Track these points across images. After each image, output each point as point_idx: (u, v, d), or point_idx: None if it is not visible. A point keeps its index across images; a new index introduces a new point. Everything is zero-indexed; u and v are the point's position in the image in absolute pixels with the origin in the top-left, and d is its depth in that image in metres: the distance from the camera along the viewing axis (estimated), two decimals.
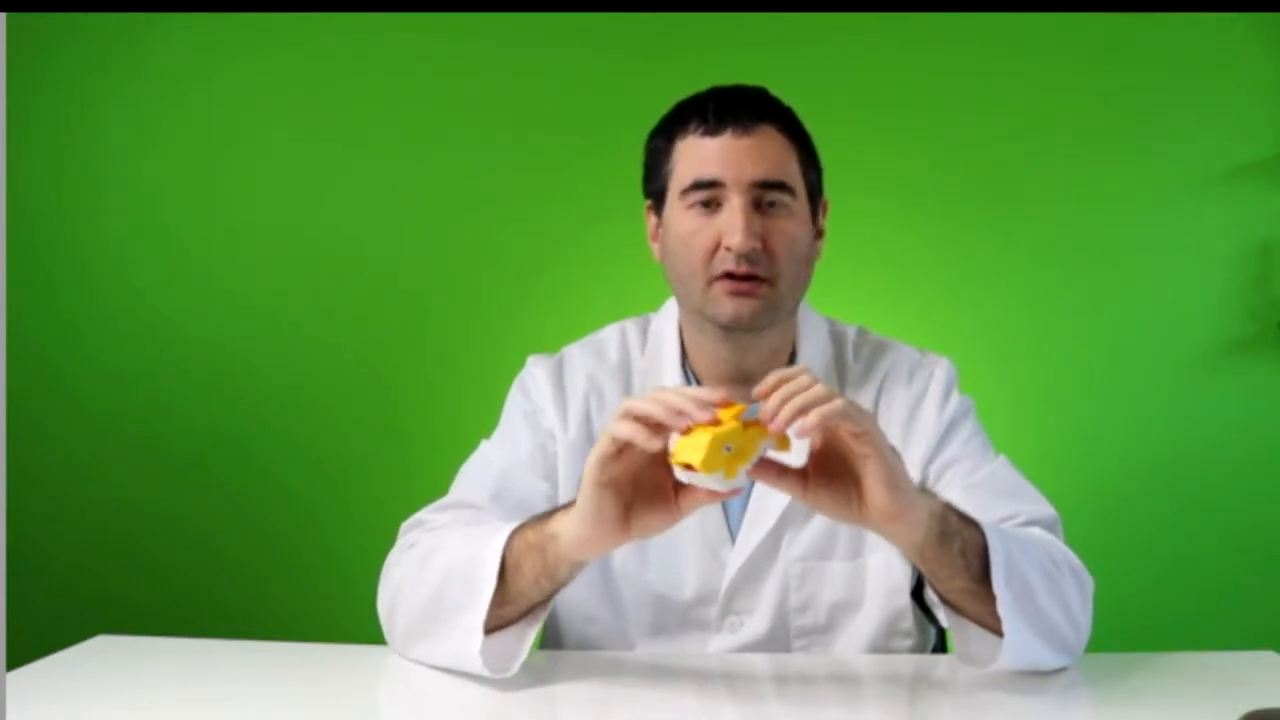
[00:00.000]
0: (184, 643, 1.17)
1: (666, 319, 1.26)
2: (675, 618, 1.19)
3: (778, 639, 1.18)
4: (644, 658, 1.15)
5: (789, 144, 1.16)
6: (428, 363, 2.28)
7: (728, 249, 1.12)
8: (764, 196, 1.13)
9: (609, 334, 1.29)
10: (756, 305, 1.13)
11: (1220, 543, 2.19)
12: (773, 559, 1.18)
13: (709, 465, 0.87)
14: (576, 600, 1.20)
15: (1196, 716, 0.94)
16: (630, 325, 1.30)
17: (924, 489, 0.98)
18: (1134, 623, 1.86)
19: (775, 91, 1.19)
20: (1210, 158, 2.19)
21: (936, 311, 2.20)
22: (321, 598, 2.21)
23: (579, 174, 2.25)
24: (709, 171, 1.13)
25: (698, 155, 1.14)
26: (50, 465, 2.28)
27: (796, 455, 0.94)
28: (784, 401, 0.88)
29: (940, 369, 1.24)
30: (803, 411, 0.87)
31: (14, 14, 2.17)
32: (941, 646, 1.26)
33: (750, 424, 0.89)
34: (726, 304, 1.13)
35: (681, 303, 1.21)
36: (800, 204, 1.16)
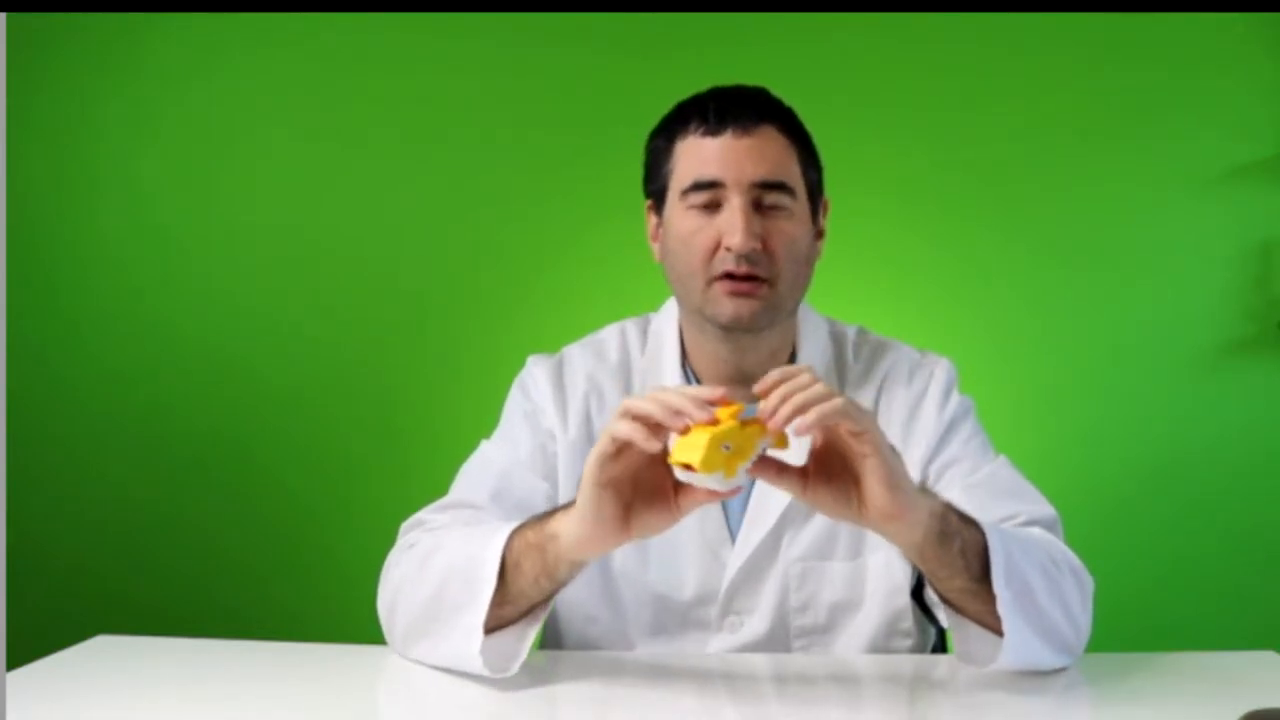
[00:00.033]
0: (184, 643, 1.17)
1: (666, 319, 1.26)
2: (675, 618, 1.19)
3: (778, 639, 1.18)
4: (644, 658, 1.15)
5: (789, 144, 1.16)
6: (428, 363, 2.28)
7: (728, 249, 1.12)
8: (764, 197, 1.13)
9: (609, 334, 1.29)
10: (756, 306, 1.13)
11: (1220, 543, 2.19)
12: (773, 559, 1.18)
13: (708, 465, 0.87)
14: (576, 600, 1.20)
15: (1196, 716, 0.94)
16: (630, 325, 1.30)
17: (924, 489, 0.98)
18: (1134, 623, 1.86)
19: (775, 92, 1.19)
20: (1210, 158, 2.19)
21: (936, 311, 2.20)
22: (321, 598, 2.21)
23: (579, 174, 2.25)
24: (709, 172, 1.13)
25: (698, 155, 1.14)
26: (50, 465, 2.28)
27: (797, 454, 0.94)
28: (784, 399, 0.88)
29: (940, 369, 1.24)
30: (802, 410, 0.87)
31: (14, 14, 2.17)
32: (941, 646, 1.26)
33: (749, 423, 0.89)
34: (726, 304, 1.13)
35: (681, 303, 1.21)
36: (800, 204, 1.16)
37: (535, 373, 1.26)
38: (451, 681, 1.03)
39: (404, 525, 1.19)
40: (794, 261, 1.15)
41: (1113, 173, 2.21)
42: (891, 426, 1.19)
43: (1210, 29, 2.18)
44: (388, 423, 2.28)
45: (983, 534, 0.98)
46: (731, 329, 1.15)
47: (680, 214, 1.16)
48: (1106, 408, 2.22)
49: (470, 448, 1.25)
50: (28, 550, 2.16)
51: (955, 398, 1.22)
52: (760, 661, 1.14)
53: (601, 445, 0.93)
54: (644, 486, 0.95)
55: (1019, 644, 0.98)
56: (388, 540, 1.19)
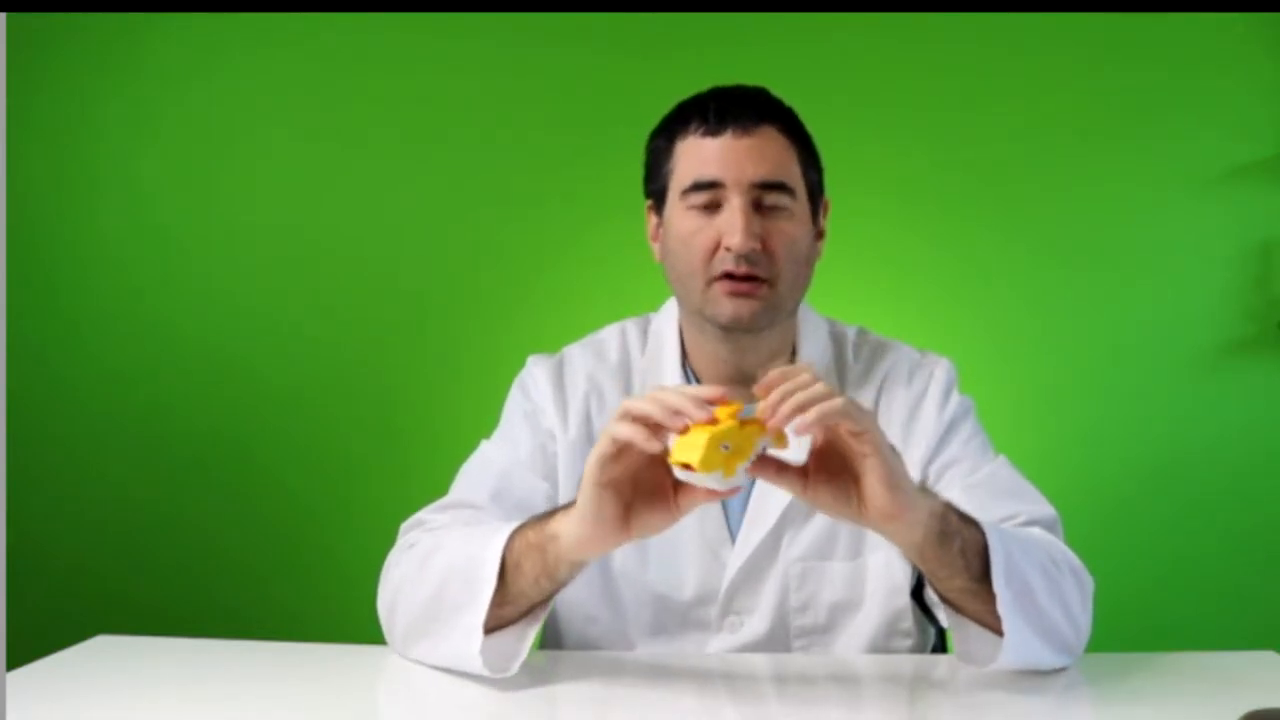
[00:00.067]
0: (184, 643, 1.17)
1: (667, 319, 1.26)
2: (675, 618, 1.19)
3: (778, 639, 1.18)
4: (644, 658, 1.15)
5: (790, 144, 1.15)
6: (428, 363, 2.28)
7: (727, 249, 1.12)
8: (764, 197, 1.13)
9: (609, 334, 1.29)
10: (756, 306, 1.13)
11: (1220, 543, 2.19)
12: (773, 559, 1.18)
13: (707, 465, 0.87)
14: (576, 600, 1.20)
15: (1196, 716, 0.94)
16: (630, 325, 1.30)
17: (924, 488, 0.98)
18: (1134, 623, 1.86)
19: (776, 92, 1.19)
20: (1210, 158, 2.19)
21: (936, 311, 2.20)
22: (321, 598, 2.21)
23: (579, 174, 2.25)
24: (709, 172, 1.13)
25: (698, 155, 1.14)
26: (50, 465, 2.28)
27: (797, 452, 0.94)
28: (784, 398, 0.88)
29: (940, 369, 1.24)
30: (802, 409, 0.87)
31: (14, 14, 2.17)
32: (941, 646, 1.26)
33: (748, 422, 0.89)
34: (726, 304, 1.13)
35: (681, 303, 1.21)
36: (800, 205, 1.16)
37: (535, 373, 1.26)
38: (451, 681, 1.03)
39: (404, 525, 1.19)
40: (794, 262, 1.15)
41: (1113, 173, 2.21)
42: (891, 426, 1.19)
43: (1210, 29, 2.18)
44: (388, 423, 2.28)
45: (983, 534, 0.98)
46: (731, 329, 1.15)
47: (680, 214, 1.16)
48: (1106, 408, 2.22)
49: (470, 448, 1.25)
50: (28, 550, 2.16)
51: (955, 398, 1.22)
52: (760, 661, 1.14)
53: (602, 447, 0.93)
54: (644, 486, 0.95)
55: (1019, 644, 0.98)
56: (388, 540, 1.19)
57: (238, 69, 2.28)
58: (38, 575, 2.23)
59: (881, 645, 1.18)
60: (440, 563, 1.06)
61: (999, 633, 0.98)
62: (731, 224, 1.12)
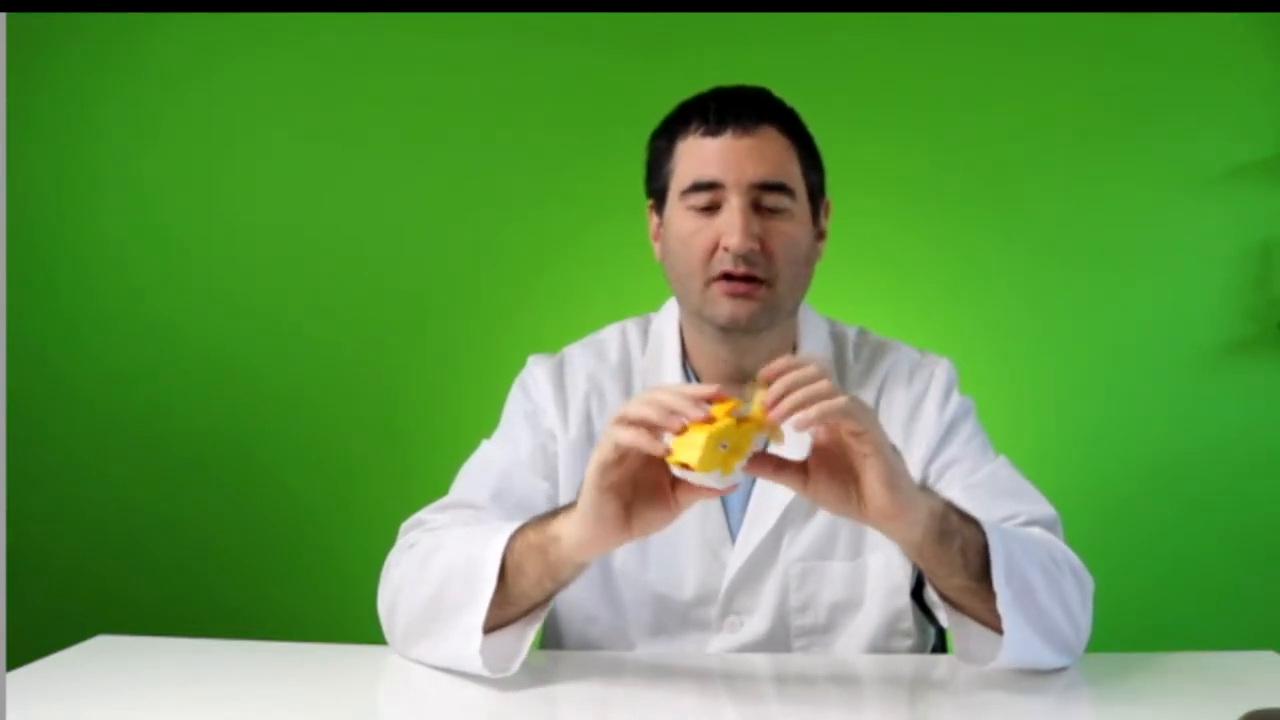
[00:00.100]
0: (184, 643, 1.17)
1: (667, 319, 1.26)
2: (675, 618, 1.19)
3: (778, 639, 1.18)
4: (644, 658, 1.15)
5: (790, 145, 1.15)
6: (428, 363, 2.28)
7: (726, 250, 1.12)
8: (763, 198, 1.13)
9: (609, 334, 1.29)
10: (754, 307, 1.13)
11: (1220, 543, 2.19)
12: (773, 559, 1.18)
13: (706, 464, 0.87)
14: (576, 600, 1.20)
15: (1196, 716, 0.94)
16: (631, 325, 1.30)
17: (924, 487, 0.98)
18: (1134, 623, 1.87)
19: (776, 92, 1.19)
20: (1210, 158, 2.19)
21: (936, 311, 2.20)
22: (321, 598, 2.21)
23: (579, 174, 2.25)
24: (709, 172, 1.13)
25: (698, 156, 1.14)
26: (50, 465, 2.28)
27: (798, 449, 0.94)
28: (787, 390, 0.88)
29: (940, 369, 1.24)
30: (804, 405, 0.87)
31: (14, 14, 2.17)
32: (941, 646, 1.26)
33: (745, 419, 0.89)
34: (724, 305, 1.13)
35: (681, 303, 1.21)
36: (800, 205, 1.16)
37: (536, 373, 1.26)
38: (451, 681, 1.03)
39: (404, 525, 1.19)
40: (793, 262, 1.15)
41: (1113, 173, 2.21)
42: (892, 427, 1.19)
43: (1210, 29, 2.18)
44: (388, 423, 2.28)
45: (983, 533, 0.98)
46: (729, 330, 1.15)
47: (680, 214, 1.16)
48: (1106, 408, 2.22)
49: (470, 448, 1.25)
50: (28, 550, 2.16)
51: (955, 398, 1.22)
52: (760, 661, 1.14)
53: (603, 453, 0.92)
54: (643, 485, 0.95)
55: (1019, 642, 0.98)
56: (388, 540, 1.19)
57: (238, 69, 2.28)
58: (38, 575, 2.23)
59: (881, 645, 1.18)
60: (440, 563, 1.06)
61: (999, 631, 0.98)
62: (730, 224, 1.12)
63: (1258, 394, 2.19)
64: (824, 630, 1.18)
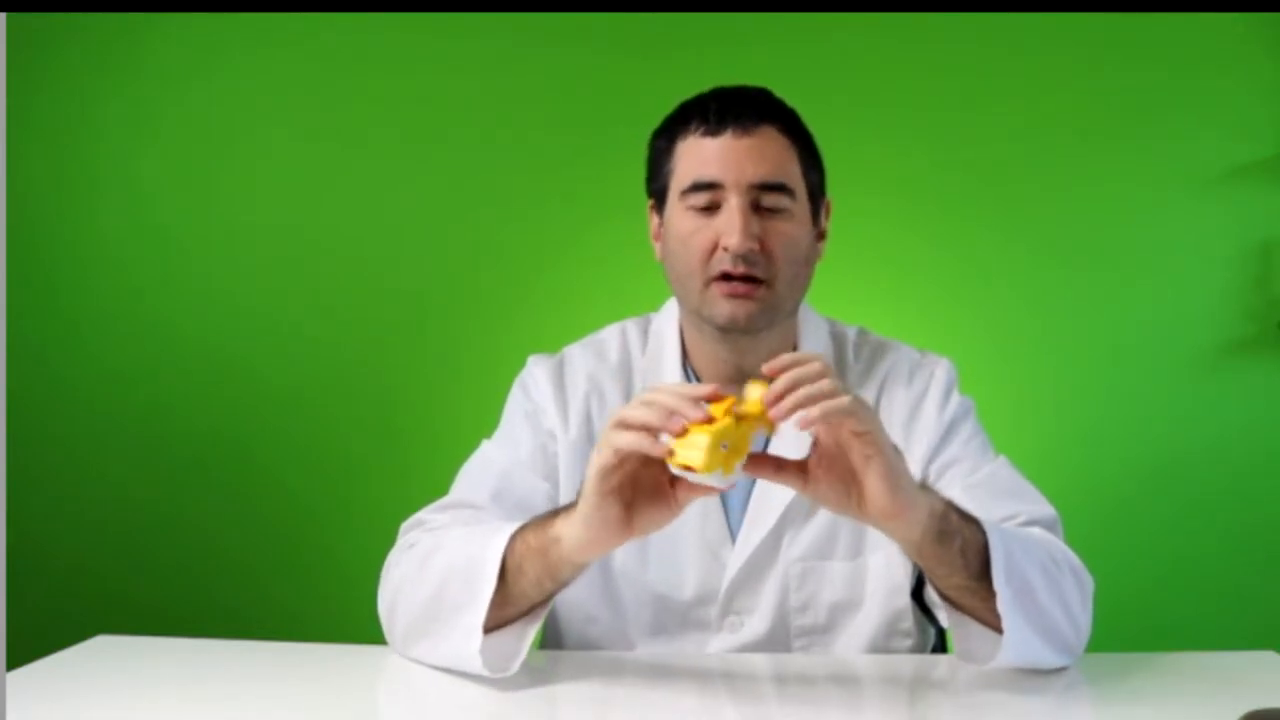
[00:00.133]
0: (184, 643, 1.17)
1: (667, 319, 1.26)
2: (675, 618, 1.19)
3: (778, 639, 1.18)
4: (644, 658, 1.15)
5: (790, 145, 1.15)
6: (428, 363, 2.28)
7: (725, 250, 1.12)
8: (763, 198, 1.13)
9: (609, 334, 1.29)
10: (753, 307, 1.13)
11: (1220, 543, 2.19)
12: (773, 559, 1.18)
13: (709, 466, 0.87)
14: (576, 600, 1.20)
15: (1196, 716, 0.94)
16: (631, 325, 1.30)
17: (924, 487, 0.98)
18: (1134, 623, 1.87)
19: (776, 92, 1.19)
20: (1210, 158, 2.19)
21: (936, 311, 2.20)
22: (321, 598, 2.21)
23: (579, 174, 2.25)
24: (709, 172, 1.13)
25: (698, 156, 1.14)
26: (50, 465, 2.28)
27: (798, 447, 0.94)
28: (790, 386, 0.88)
29: (940, 369, 1.24)
30: (806, 404, 0.87)
31: (14, 14, 2.17)
32: (941, 646, 1.26)
33: (743, 417, 0.89)
34: (723, 305, 1.13)
35: (681, 303, 1.21)
36: (800, 205, 1.16)
37: (536, 373, 1.26)
38: (451, 681, 1.03)
39: (404, 525, 1.19)
40: (792, 263, 1.15)
41: (1113, 173, 2.21)
42: (892, 427, 1.19)
43: (1210, 29, 2.18)
44: (388, 423, 2.28)
45: (983, 532, 0.98)
46: (729, 330, 1.15)
47: (680, 214, 1.16)
48: (1106, 408, 2.22)
49: (470, 448, 1.25)
50: (28, 550, 2.16)
51: (955, 398, 1.22)
52: (760, 661, 1.14)
53: (604, 458, 0.92)
54: (643, 485, 0.95)
55: (1019, 642, 0.98)
56: (388, 540, 1.19)
57: (238, 69, 2.28)
58: (38, 575, 2.23)
59: (881, 645, 1.18)
60: (440, 563, 1.06)
61: (999, 631, 0.98)
62: (730, 224, 1.12)
63: (1258, 394, 2.19)
64: (824, 630, 1.18)
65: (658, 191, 1.20)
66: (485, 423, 1.29)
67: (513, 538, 1.01)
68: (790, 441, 0.98)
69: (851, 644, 1.18)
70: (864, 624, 1.18)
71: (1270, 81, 2.17)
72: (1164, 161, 2.20)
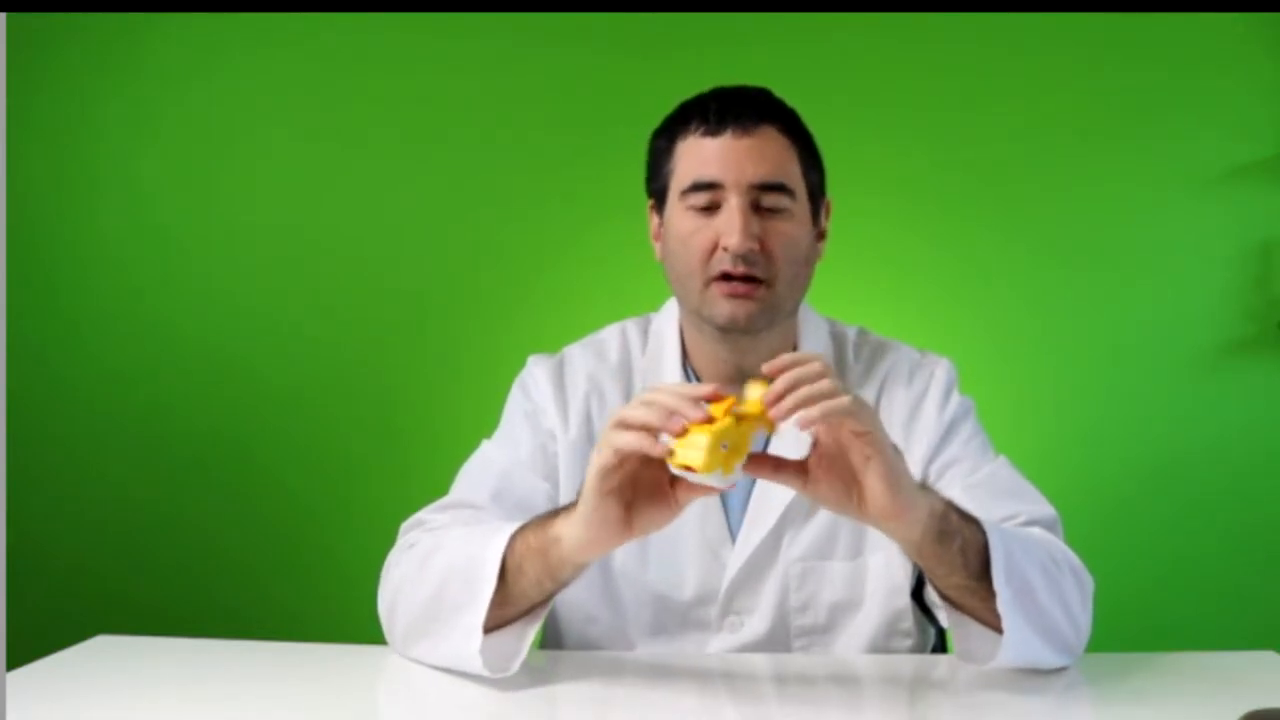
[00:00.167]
0: (184, 643, 1.17)
1: (667, 319, 1.26)
2: (675, 618, 1.19)
3: (778, 639, 1.18)
4: (644, 658, 1.15)
5: (790, 145, 1.15)
6: (428, 363, 2.28)
7: (725, 249, 1.12)
8: (763, 198, 1.13)
9: (610, 334, 1.29)
10: (753, 308, 1.13)
11: (1220, 543, 2.19)
12: (773, 559, 1.18)
13: (709, 466, 0.87)
14: (576, 600, 1.20)
15: (1196, 716, 0.94)
16: (631, 325, 1.30)
17: (925, 487, 0.98)
18: (1134, 623, 1.87)
19: (776, 92, 1.19)
20: (1210, 158, 2.19)
21: (936, 311, 2.20)
22: (321, 598, 2.21)
23: (579, 174, 2.25)
24: (708, 172, 1.13)
25: (698, 156, 1.14)
26: (50, 465, 2.28)
27: (797, 447, 0.94)
28: (791, 386, 0.88)
29: (940, 369, 1.24)
30: (807, 404, 0.87)
31: (14, 14, 2.17)
32: (941, 646, 1.26)
33: (743, 416, 0.89)
34: (723, 306, 1.13)
35: (681, 303, 1.21)
36: (800, 206, 1.16)
37: (536, 373, 1.26)
38: (451, 681, 1.03)
39: (404, 525, 1.19)
40: (792, 263, 1.15)
41: (1113, 173, 2.21)
42: (892, 427, 1.19)
43: (1210, 29, 2.18)
44: (388, 423, 2.28)
45: (983, 532, 0.98)
46: (728, 330, 1.15)
47: (680, 214, 1.16)
48: (1106, 408, 2.22)
49: (470, 448, 1.25)
50: (28, 550, 2.16)
51: (955, 398, 1.22)
52: (760, 661, 1.14)
53: (604, 459, 0.92)
54: (644, 485, 0.95)
55: (1019, 642, 0.98)
56: (388, 540, 1.19)
57: (238, 69, 2.28)
58: (38, 575, 2.23)
59: (881, 645, 1.18)
60: (440, 563, 1.06)
61: (999, 631, 0.98)
62: (729, 224, 1.12)
63: (1258, 394, 2.19)
64: (824, 630, 1.18)
65: (658, 191, 1.20)
66: (485, 423, 1.29)
67: (513, 538, 1.01)
68: (790, 441, 0.98)
69: (851, 644, 1.18)
70: (864, 624, 1.18)
71: (1270, 81, 2.17)
72: (1164, 161, 2.20)
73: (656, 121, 1.21)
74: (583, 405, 1.23)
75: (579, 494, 0.97)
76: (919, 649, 1.20)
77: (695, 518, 1.17)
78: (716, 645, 1.18)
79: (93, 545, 2.28)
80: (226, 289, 2.28)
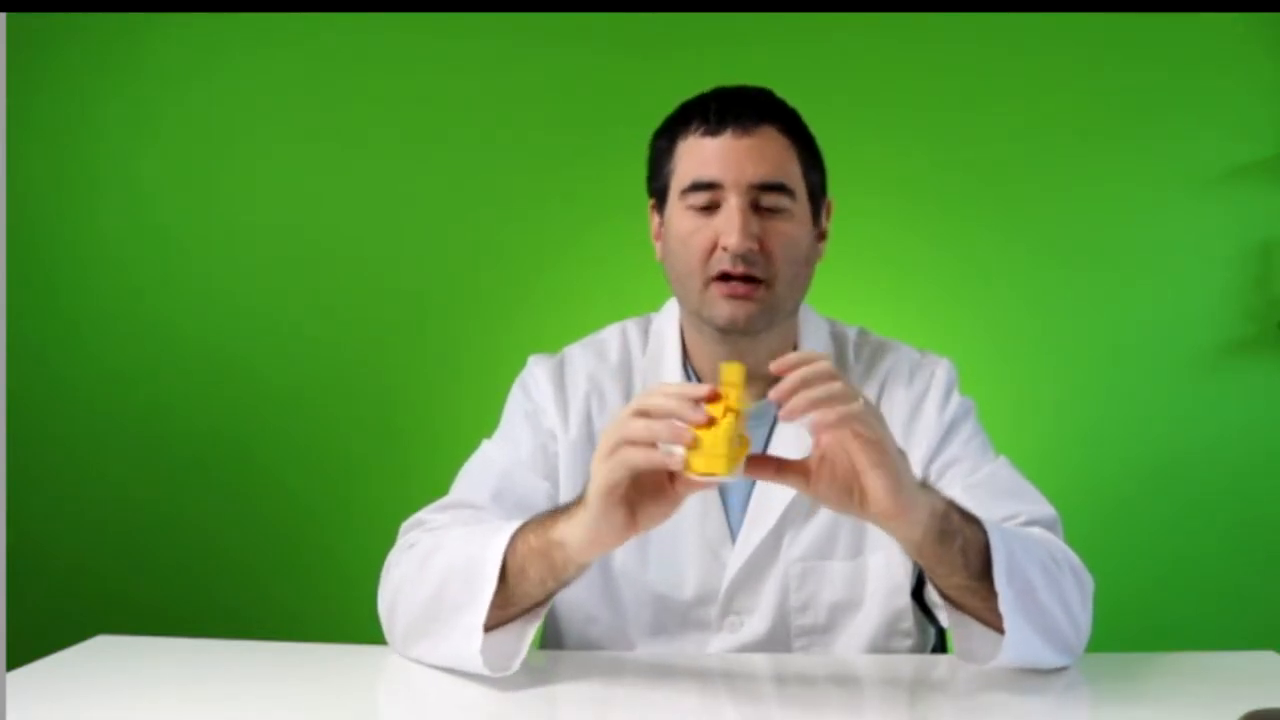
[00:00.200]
0: (184, 643, 1.17)
1: (668, 319, 1.26)
2: (675, 618, 1.19)
3: (778, 639, 1.18)
4: (644, 658, 1.15)
5: (790, 145, 1.15)
6: (428, 363, 2.28)
7: (724, 249, 1.12)
8: (763, 198, 1.13)
9: (610, 334, 1.29)
10: (753, 308, 1.13)
11: (1220, 543, 2.19)
12: (773, 559, 1.18)
13: (730, 470, 0.88)
14: (576, 600, 1.20)
15: (1196, 716, 0.94)
16: (631, 325, 1.30)
17: (926, 486, 0.98)
18: (1134, 623, 1.87)
19: (777, 92, 1.19)
20: (1210, 158, 2.19)
21: (936, 311, 2.20)
22: (321, 598, 2.21)
23: (579, 174, 2.25)
24: (708, 172, 1.13)
25: (698, 156, 1.14)
26: (50, 465, 2.28)
27: (798, 447, 0.94)
28: (800, 384, 0.88)
29: (941, 369, 1.24)
30: (821, 405, 0.87)
31: (14, 14, 2.17)
32: (941, 646, 1.26)
33: (736, 411, 0.89)
34: (723, 306, 1.13)
35: (681, 303, 1.21)
36: (800, 206, 1.16)
37: (536, 372, 1.26)
38: (451, 681, 1.03)
39: (404, 525, 1.19)
40: (792, 263, 1.15)
41: (1113, 173, 2.21)
42: (893, 427, 1.18)
43: (1210, 29, 2.18)
44: (388, 423, 2.28)
45: (984, 532, 0.98)
46: (728, 331, 1.15)
47: (680, 214, 1.16)
48: (1106, 408, 2.22)
49: (470, 448, 1.25)
50: (28, 550, 2.16)
51: (956, 398, 1.22)
52: (760, 661, 1.14)
53: (614, 474, 0.91)
54: (645, 484, 0.94)
55: (1019, 641, 0.98)
56: (388, 540, 1.19)
57: (238, 69, 2.28)
58: (38, 575, 2.23)
59: (881, 645, 1.18)
60: (440, 563, 1.06)
61: (1000, 631, 0.98)
62: (729, 224, 1.11)
63: (1258, 394, 2.19)
64: (824, 630, 1.18)
65: (658, 191, 1.20)
66: (485, 423, 1.29)
67: (513, 538, 1.01)
68: (791, 441, 0.98)
69: (851, 644, 1.18)
70: (864, 624, 1.18)
71: (1270, 81, 2.17)
72: (1164, 161, 2.20)
73: (656, 121, 1.21)
74: (583, 405, 1.23)
75: (580, 495, 0.97)
76: (919, 649, 1.20)
77: (695, 517, 1.17)
78: (716, 645, 1.18)
79: (93, 545, 2.28)
80: (226, 289, 2.28)
